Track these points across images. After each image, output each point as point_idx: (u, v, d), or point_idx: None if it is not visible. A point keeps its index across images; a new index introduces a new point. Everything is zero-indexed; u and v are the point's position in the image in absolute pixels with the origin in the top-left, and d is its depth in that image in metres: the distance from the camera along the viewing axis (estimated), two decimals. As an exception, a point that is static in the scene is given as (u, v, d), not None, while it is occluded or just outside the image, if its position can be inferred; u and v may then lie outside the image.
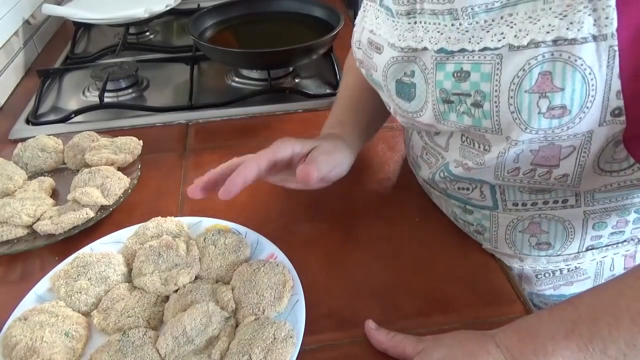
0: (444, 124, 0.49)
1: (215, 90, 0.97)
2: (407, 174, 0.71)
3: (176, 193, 0.69)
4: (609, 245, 0.57)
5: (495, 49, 0.42)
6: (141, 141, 0.75)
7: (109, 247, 0.58)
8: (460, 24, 0.44)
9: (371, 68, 0.56)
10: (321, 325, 0.51)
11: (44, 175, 0.72)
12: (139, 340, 0.47)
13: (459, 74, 0.45)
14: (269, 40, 1.02)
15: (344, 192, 0.68)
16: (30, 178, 0.71)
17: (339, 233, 0.62)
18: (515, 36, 0.41)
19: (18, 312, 0.50)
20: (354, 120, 0.67)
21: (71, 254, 0.56)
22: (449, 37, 0.45)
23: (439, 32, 0.46)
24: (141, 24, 1.20)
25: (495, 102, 0.43)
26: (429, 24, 0.47)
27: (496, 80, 0.43)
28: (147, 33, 1.24)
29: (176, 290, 0.52)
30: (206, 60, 1.04)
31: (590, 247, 0.56)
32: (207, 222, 0.61)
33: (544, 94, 0.41)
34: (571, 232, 0.54)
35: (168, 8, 1.15)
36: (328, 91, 0.92)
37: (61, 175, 0.73)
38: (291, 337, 0.46)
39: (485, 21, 0.43)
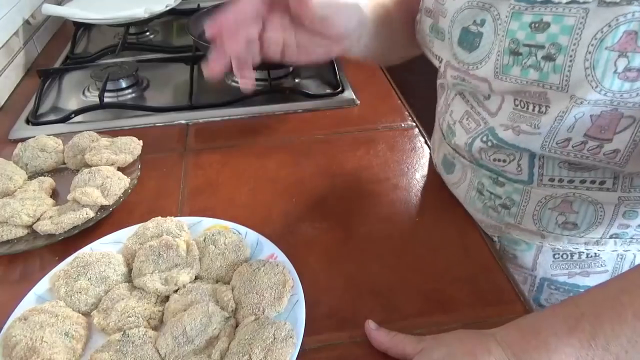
0: (501, 79, 0.48)
1: (215, 90, 0.97)
2: (407, 174, 0.71)
3: (176, 193, 0.69)
4: (633, 239, 0.56)
5: (584, 2, 0.41)
6: (141, 141, 0.75)
7: (109, 247, 0.58)
8: None
9: (439, 14, 0.54)
10: (321, 325, 0.50)
11: (44, 175, 0.72)
12: (139, 340, 0.47)
13: (537, 25, 0.44)
14: (269, 40, 1.02)
15: (344, 192, 0.68)
16: (30, 178, 0.71)
17: (339, 233, 0.62)
18: None
19: (18, 312, 0.50)
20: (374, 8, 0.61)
21: (71, 254, 0.56)
22: None
23: None
24: (141, 24, 1.20)
25: (571, 56, 0.42)
26: None
27: (577, 34, 0.42)
28: (147, 33, 1.24)
29: (176, 290, 0.52)
30: (206, 60, 1.03)
31: (614, 235, 0.55)
32: (207, 222, 0.61)
33: (624, 53, 0.40)
34: (601, 215, 0.53)
35: (168, 8, 1.15)
36: (328, 91, 0.92)
37: (61, 175, 0.73)
38: (291, 337, 0.46)
39: None
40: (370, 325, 0.49)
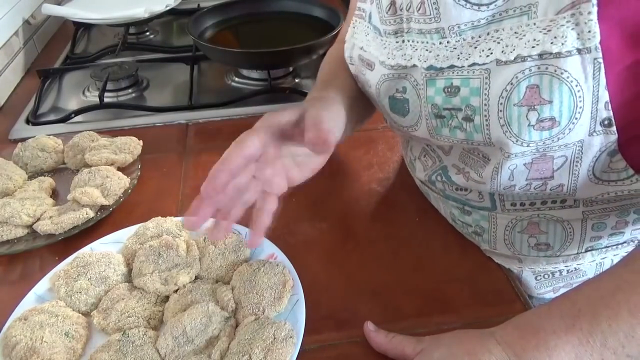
0: (437, 139, 0.50)
1: (215, 90, 0.97)
2: (407, 174, 0.71)
3: (176, 193, 0.69)
4: (608, 247, 0.56)
5: (484, 64, 0.43)
6: (141, 141, 0.75)
7: (109, 247, 0.58)
8: (448, 42, 0.46)
9: (365, 84, 0.56)
10: (321, 325, 0.50)
11: (44, 175, 0.72)
12: (139, 340, 0.47)
13: (449, 89, 0.46)
14: (269, 40, 1.02)
15: (344, 192, 0.68)
16: (30, 178, 0.71)
17: (339, 233, 0.62)
18: (502, 51, 0.42)
19: (18, 312, 0.50)
20: (338, 80, 0.60)
21: (71, 254, 0.56)
22: (438, 55, 0.46)
23: (427, 50, 0.47)
24: (141, 24, 1.20)
25: (485, 115, 0.44)
26: (417, 42, 0.48)
27: (485, 95, 0.43)
28: (147, 33, 1.24)
29: (176, 290, 0.52)
30: (206, 60, 1.04)
31: (589, 248, 0.56)
32: (207, 222, 0.60)
33: (532, 107, 0.41)
34: (570, 232, 0.54)
35: (168, 8, 1.15)
36: (328, 91, 0.92)
37: (61, 175, 0.73)
38: (291, 337, 0.46)
39: (472, 37, 0.44)
40: (369, 327, 0.49)
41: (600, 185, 0.47)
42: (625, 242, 0.57)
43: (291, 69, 1.00)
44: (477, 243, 0.60)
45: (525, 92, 0.41)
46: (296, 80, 0.98)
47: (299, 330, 0.47)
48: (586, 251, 0.56)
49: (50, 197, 0.67)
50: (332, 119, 0.48)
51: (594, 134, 0.42)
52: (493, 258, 0.59)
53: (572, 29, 0.39)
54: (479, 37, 0.44)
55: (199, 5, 1.29)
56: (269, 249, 0.56)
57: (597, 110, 0.41)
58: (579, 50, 0.39)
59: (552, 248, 0.56)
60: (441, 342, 0.44)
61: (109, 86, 0.93)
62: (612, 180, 0.46)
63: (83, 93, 0.96)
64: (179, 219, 0.60)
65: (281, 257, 0.55)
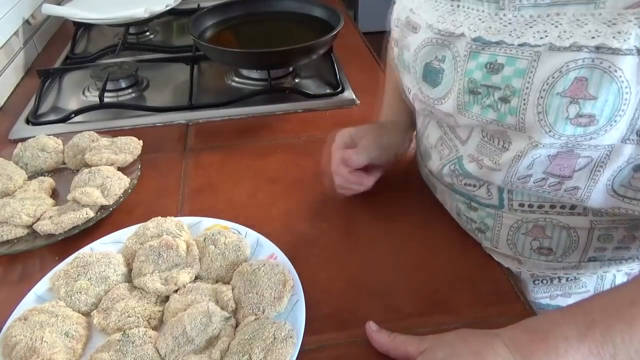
0: (464, 115, 0.48)
1: (215, 90, 0.97)
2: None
3: (176, 193, 0.69)
4: (612, 260, 0.55)
5: (535, 45, 0.41)
6: (141, 141, 0.75)
7: (109, 247, 0.58)
8: (504, 15, 0.44)
9: (404, 47, 0.55)
10: (321, 325, 0.50)
11: (44, 175, 0.72)
12: (139, 340, 0.47)
13: (491, 66, 0.44)
14: (269, 40, 1.02)
15: (344, 192, 0.68)
16: (30, 178, 0.71)
17: (339, 233, 0.62)
18: (558, 36, 0.40)
19: (18, 312, 0.50)
20: (401, 102, 0.67)
21: (71, 254, 0.56)
22: (490, 27, 0.44)
23: (480, 19, 0.45)
24: (141, 24, 1.20)
25: (524, 99, 0.42)
26: (472, 9, 0.46)
27: (529, 78, 0.42)
28: (147, 33, 1.24)
29: (176, 290, 0.52)
30: (206, 60, 1.03)
31: (592, 259, 0.55)
32: (207, 222, 0.61)
33: (575, 100, 0.40)
34: (575, 240, 0.53)
35: (168, 8, 1.15)
36: (328, 91, 0.92)
37: (61, 175, 0.73)
38: (291, 337, 0.46)
39: (531, 16, 0.42)
40: (372, 326, 0.49)
41: (614, 199, 0.46)
42: (630, 258, 0.55)
43: (291, 69, 1.00)
44: (479, 240, 0.59)
45: (572, 83, 0.40)
46: (296, 80, 0.98)
47: (299, 330, 0.47)
48: (588, 261, 0.55)
49: (50, 197, 0.67)
50: (375, 149, 0.62)
51: (627, 141, 0.41)
52: (493, 256, 0.58)
53: (639, 26, 0.37)
54: (538, 16, 0.42)
55: (199, 5, 1.29)
56: (269, 249, 0.56)
57: (638, 117, 0.40)
58: (639, 50, 0.37)
59: (554, 253, 0.55)
60: (445, 341, 0.44)
61: (109, 86, 0.93)
62: (628, 196, 0.45)
63: (83, 93, 0.96)
64: (179, 219, 0.60)
65: (281, 257, 0.55)
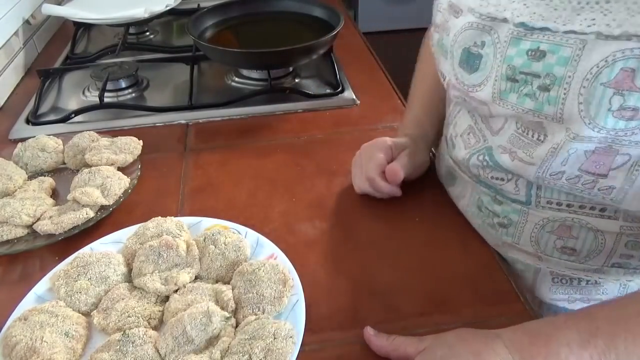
0: (499, 104, 0.47)
1: (215, 90, 0.97)
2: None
3: (176, 193, 0.69)
4: (637, 269, 0.53)
5: (582, 33, 0.40)
6: (141, 141, 0.75)
7: (109, 247, 0.58)
8: (551, 0, 0.42)
9: (444, 31, 0.54)
10: (321, 325, 0.51)
11: (44, 175, 0.72)
12: (139, 340, 0.46)
13: (534, 53, 0.43)
14: (269, 40, 1.02)
15: (344, 192, 0.68)
16: (30, 178, 0.71)
17: (339, 233, 0.62)
18: (607, 24, 0.39)
19: (18, 312, 0.50)
20: (430, 118, 0.68)
21: (71, 254, 0.56)
22: (534, 12, 0.43)
23: (524, 4, 0.44)
24: (141, 24, 1.20)
25: (565, 88, 0.41)
26: None
27: (572, 66, 0.40)
28: (147, 33, 1.24)
29: (176, 290, 0.52)
30: (206, 60, 1.03)
31: (616, 265, 0.53)
32: (207, 222, 0.61)
33: (619, 91, 0.39)
34: (601, 243, 0.51)
35: (168, 8, 1.15)
36: (328, 91, 0.92)
37: (61, 175, 0.73)
38: (291, 336, 0.46)
39: (579, 3, 0.41)
40: (369, 331, 0.48)
41: None
42: None
43: (291, 69, 0.99)
44: (496, 236, 0.58)
45: (618, 74, 0.38)
46: (296, 80, 0.98)
47: (299, 330, 0.47)
48: (612, 266, 0.53)
49: (50, 197, 0.67)
50: (412, 166, 0.64)
51: None
52: (511, 253, 0.57)
53: None
54: (586, 3, 0.40)
55: (199, 5, 1.29)
56: (269, 249, 0.56)
57: None
58: None
59: (577, 254, 0.53)
60: (444, 341, 0.44)
61: (109, 86, 0.93)
62: None
63: (83, 93, 0.96)
64: (179, 219, 0.60)
65: (281, 257, 0.55)
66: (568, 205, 0.50)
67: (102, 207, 0.64)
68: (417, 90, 0.73)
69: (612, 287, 0.56)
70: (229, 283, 0.53)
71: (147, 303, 0.51)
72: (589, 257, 0.53)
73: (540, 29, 0.43)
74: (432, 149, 0.72)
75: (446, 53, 0.54)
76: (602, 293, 0.56)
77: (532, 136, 0.47)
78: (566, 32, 0.41)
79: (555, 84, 0.42)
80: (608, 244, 0.51)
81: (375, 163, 0.63)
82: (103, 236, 0.59)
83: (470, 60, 0.50)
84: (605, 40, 0.39)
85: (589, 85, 0.40)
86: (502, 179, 0.53)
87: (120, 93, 0.95)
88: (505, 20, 0.46)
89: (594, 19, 0.40)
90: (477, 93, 0.50)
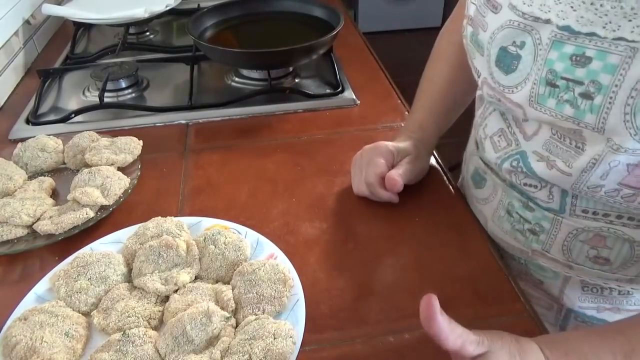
0: (535, 108, 0.45)
1: (215, 90, 0.97)
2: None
3: (176, 193, 0.69)
4: None
5: (633, 41, 0.38)
6: (141, 141, 0.75)
7: (109, 247, 0.58)
8: (601, 5, 0.40)
9: (480, 26, 0.51)
10: (321, 325, 0.51)
11: (44, 175, 0.72)
12: (139, 340, 0.47)
13: (578, 58, 0.41)
14: (269, 40, 1.02)
15: (344, 192, 0.68)
16: (30, 178, 0.71)
17: (339, 233, 0.62)
18: None
19: (18, 312, 0.50)
20: (435, 123, 0.67)
21: (71, 254, 0.56)
22: (581, 16, 0.41)
23: (571, 7, 0.42)
24: (141, 24, 1.19)
25: (611, 97, 0.39)
26: None
27: (621, 75, 0.39)
28: (147, 33, 1.24)
29: (176, 290, 0.52)
30: (206, 60, 1.03)
31: None
32: (207, 222, 0.61)
33: None
34: (637, 254, 0.50)
35: (168, 8, 1.15)
36: (328, 91, 0.92)
37: (61, 175, 0.73)
38: (291, 336, 0.46)
39: (632, 8, 0.38)
40: (435, 304, 0.38)
41: None
42: None
43: (291, 69, 0.99)
44: (525, 242, 0.56)
45: None
46: (296, 80, 0.98)
47: (299, 330, 0.47)
48: None
49: (50, 197, 0.67)
50: (412, 172, 0.63)
51: None
52: (539, 260, 0.56)
53: None
54: None
55: (199, 5, 1.29)
56: (269, 249, 0.56)
57: None
58: None
59: (610, 264, 0.52)
60: (506, 351, 0.40)
61: (109, 86, 0.93)
62: None
63: (83, 93, 0.96)
64: (179, 219, 0.60)
65: (281, 257, 0.55)
66: (605, 215, 0.48)
67: (102, 207, 0.64)
68: (424, 92, 0.70)
69: None
70: (229, 283, 0.53)
71: (147, 303, 0.51)
72: (623, 268, 0.51)
73: (586, 34, 0.41)
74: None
75: (482, 50, 0.51)
76: (634, 304, 0.55)
77: (571, 143, 0.45)
78: (615, 39, 0.39)
79: (599, 93, 0.40)
80: None
81: (375, 169, 0.62)
82: (103, 236, 0.59)
83: (508, 60, 0.47)
84: None
85: (638, 95, 0.38)
86: (536, 186, 0.52)
87: (120, 93, 0.95)
88: (548, 21, 0.43)
89: None
90: (512, 95, 0.48)
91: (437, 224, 0.63)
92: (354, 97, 0.90)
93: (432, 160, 0.73)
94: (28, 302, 0.52)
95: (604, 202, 0.47)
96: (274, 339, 0.45)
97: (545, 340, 0.41)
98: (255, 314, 0.49)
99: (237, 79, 0.99)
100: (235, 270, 0.54)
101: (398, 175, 0.61)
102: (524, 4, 0.45)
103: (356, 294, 0.54)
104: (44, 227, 0.60)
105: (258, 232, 0.59)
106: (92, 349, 0.48)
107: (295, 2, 1.05)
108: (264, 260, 0.54)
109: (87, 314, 0.52)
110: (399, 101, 0.89)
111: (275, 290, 0.50)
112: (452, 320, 0.39)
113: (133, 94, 0.96)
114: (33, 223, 0.61)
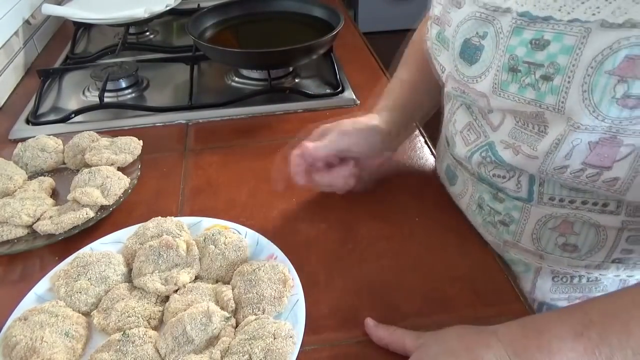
0: (499, 95, 0.47)
1: (215, 90, 0.97)
2: (407, 174, 0.71)
3: (176, 193, 0.69)
4: (637, 264, 0.53)
5: (586, 21, 0.40)
6: (141, 141, 0.75)
7: (109, 247, 0.58)
8: None
9: (445, 23, 0.54)
10: (321, 325, 0.51)
11: (44, 175, 0.72)
12: (139, 340, 0.47)
13: (537, 42, 0.43)
14: (269, 40, 1.02)
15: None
16: (30, 178, 0.71)
17: (339, 233, 0.62)
18: (612, 12, 0.38)
19: (18, 312, 0.50)
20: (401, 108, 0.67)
21: (71, 254, 0.56)
22: (538, 1, 0.43)
23: None
24: (141, 24, 1.20)
25: (569, 77, 0.41)
26: None
27: (577, 55, 0.40)
28: (147, 33, 1.24)
29: (176, 290, 0.52)
30: (206, 60, 1.03)
31: (617, 260, 0.53)
32: (207, 222, 0.61)
33: (624, 79, 0.38)
34: (603, 239, 0.51)
35: (168, 8, 1.15)
36: (328, 91, 0.92)
37: (61, 175, 0.73)
38: (291, 336, 0.46)
39: None
40: (370, 322, 0.49)
41: None
42: None
43: (291, 69, 0.99)
44: (497, 234, 0.57)
45: (622, 62, 0.38)
46: (296, 80, 0.98)
47: (299, 330, 0.47)
48: (612, 262, 0.53)
49: (50, 197, 0.67)
50: (341, 142, 0.61)
51: None
52: (511, 252, 0.57)
53: None
54: None
55: (199, 5, 1.29)
56: (269, 249, 0.56)
57: None
58: None
59: (579, 251, 0.53)
60: (441, 338, 0.44)
61: (109, 86, 0.93)
62: None
63: (83, 93, 0.96)
64: (179, 219, 0.60)
65: (281, 257, 0.55)
66: (571, 202, 0.50)
67: (102, 207, 0.64)
68: (392, 88, 0.71)
69: (612, 284, 0.56)
70: (229, 283, 0.53)
71: (147, 303, 0.51)
72: (590, 254, 0.53)
73: (544, 18, 0.42)
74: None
75: (447, 45, 0.53)
76: (602, 290, 0.57)
77: (533, 128, 0.47)
78: (570, 21, 0.41)
79: (558, 73, 0.42)
80: (609, 239, 0.51)
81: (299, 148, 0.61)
82: (103, 236, 0.59)
83: (471, 51, 0.49)
84: (609, 28, 0.39)
85: (593, 73, 0.40)
86: (504, 177, 0.53)
87: (120, 93, 0.95)
88: (508, 9, 0.45)
89: (598, 7, 0.39)
90: (477, 85, 0.50)
91: (437, 224, 0.63)
92: (354, 97, 0.90)
93: (432, 161, 0.74)
94: (28, 302, 0.52)
95: (569, 184, 0.48)
96: (274, 339, 0.45)
97: (504, 324, 0.43)
98: (255, 314, 0.49)
99: (237, 79, 0.99)
100: (235, 270, 0.54)
101: (312, 144, 0.61)
102: None
103: (356, 294, 0.54)
104: (44, 227, 0.60)
105: (258, 232, 0.59)
106: (92, 349, 0.48)
107: (295, 2, 1.05)
108: (264, 260, 0.54)
109: (87, 314, 0.52)
110: (399, 101, 0.89)
111: (275, 290, 0.50)
112: (392, 327, 0.48)
113: (133, 94, 0.96)
114: (33, 223, 0.61)
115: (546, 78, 0.43)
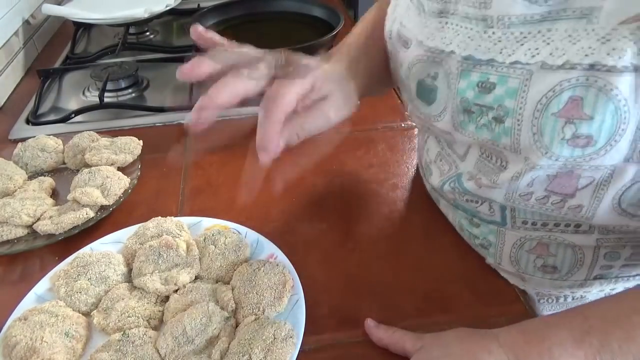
0: (462, 133, 0.47)
1: (215, 90, 0.97)
2: (407, 174, 0.71)
3: (176, 193, 0.69)
4: (619, 277, 0.53)
5: (527, 64, 0.40)
6: (141, 141, 0.75)
7: (109, 247, 0.58)
8: (493, 33, 0.42)
9: (397, 63, 0.54)
10: (321, 325, 0.51)
11: (44, 175, 0.72)
12: (139, 340, 0.47)
13: (483, 85, 0.43)
14: (269, 40, 1.02)
15: (344, 192, 0.68)
16: (30, 178, 0.71)
17: (339, 233, 0.62)
18: (550, 54, 0.39)
19: (18, 312, 0.50)
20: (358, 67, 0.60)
21: (71, 254, 0.56)
22: (479, 45, 0.43)
23: (469, 37, 0.44)
24: (141, 24, 1.20)
25: (518, 120, 0.41)
26: (460, 27, 0.45)
27: (522, 97, 0.40)
28: (147, 33, 1.24)
29: (176, 290, 0.52)
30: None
31: (598, 277, 0.53)
32: (207, 222, 0.61)
33: (570, 120, 0.38)
34: (580, 258, 0.51)
35: (168, 8, 1.15)
36: (328, 91, 0.92)
37: (61, 175, 0.73)
38: (291, 337, 0.46)
39: (521, 33, 0.41)
40: (370, 323, 0.49)
41: (622, 217, 0.44)
42: (637, 275, 0.53)
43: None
44: (483, 255, 0.58)
45: (567, 103, 0.38)
46: (296, 80, 0.98)
47: (299, 330, 0.47)
48: (594, 279, 0.53)
49: (50, 197, 0.67)
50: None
51: (630, 161, 0.39)
52: (499, 272, 0.57)
53: (635, 42, 0.35)
54: (528, 33, 0.40)
55: (199, 5, 1.29)
56: (269, 249, 0.56)
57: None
58: (636, 68, 0.35)
59: (558, 271, 0.53)
60: (441, 341, 0.44)
61: (109, 86, 0.93)
62: (638, 215, 0.43)
63: (83, 93, 0.96)
64: (179, 219, 0.60)
65: (281, 257, 0.55)
66: (543, 225, 0.50)
67: (102, 207, 0.64)
68: (357, 29, 0.68)
69: (597, 298, 0.56)
70: (229, 283, 0.53)
71: (147, 303, 0.51)
72: (571, 274, 0.53)
73: (487, 60, 0.43)
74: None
75: (403, 85, 0.54)
76: None
77: (496, 162, 0.47)
78: (512, 64, 0.41)
79: (508, 116, 0.41)
80: (587, 258, 0.51)
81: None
82: (103, 236, 0.59)
83: (427, 92, 0.49)
84: (550, 70, 0.39)
85: (540, 115, 0.39)
86: (477, 202, 0.53)
87: (120, 93, 0.95)
88: (452, 52, 0.45)
89: (537, 49, 0.39)
90: (438, 123, 0.50)
91: (437, 224, 0.63)
92: (354, 97, 0.90)
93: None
94: (28, 302, 0.52)
95: (537, 211, 0.48)
96: (274, 339, 0.45)
97: (505, 328, 0.43)
98: (255, 314, 0.49)
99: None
100: (235, 270, 0.54)
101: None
102: (428, 39, 0.48)
103: (356, 294, 0.54)
104: (44, 227, 0.60)
105: (258, 232, 0.59)
106: (92, 349, 0.48)
107: (295, 2, 1.05)
108: (264, 261, 0.54)
109: (87, 314, 0.51)
110: (399, 101, 0.89)
111: (275, 290, 0.50)
112: (392, 328, 0.48)
113: (133, 94, 0.96)
114: (33, 223, 0.61)
115: (498, 120, 0.43)
